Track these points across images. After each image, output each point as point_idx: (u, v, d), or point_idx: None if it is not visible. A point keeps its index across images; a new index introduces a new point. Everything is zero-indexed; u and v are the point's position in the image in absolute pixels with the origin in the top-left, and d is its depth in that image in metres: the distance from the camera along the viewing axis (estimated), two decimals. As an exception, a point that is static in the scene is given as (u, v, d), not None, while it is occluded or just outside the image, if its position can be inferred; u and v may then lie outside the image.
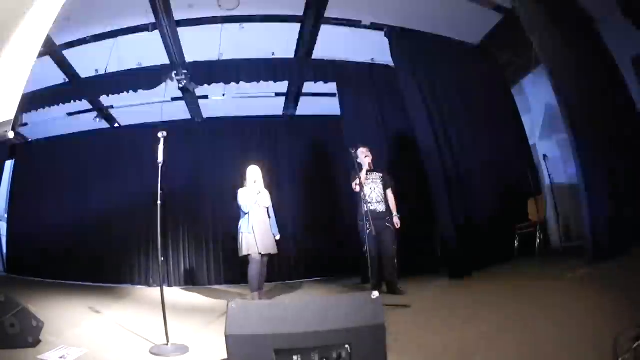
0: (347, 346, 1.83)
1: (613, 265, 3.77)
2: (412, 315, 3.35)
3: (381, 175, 5.04)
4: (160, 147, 2.95)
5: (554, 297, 3.19)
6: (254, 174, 4.88)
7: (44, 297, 4.93)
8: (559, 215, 6.42)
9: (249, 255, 4.59)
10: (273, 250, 4.76)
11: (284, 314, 1.99)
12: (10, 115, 2.38)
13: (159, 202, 2.88)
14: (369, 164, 4.93)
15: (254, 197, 4.74)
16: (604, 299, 2.78)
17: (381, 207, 4.86)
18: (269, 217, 4.89)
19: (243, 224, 4.68)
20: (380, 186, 4.96)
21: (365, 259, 4.33)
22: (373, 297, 1.89)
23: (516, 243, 5.68)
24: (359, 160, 4.92)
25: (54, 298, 4.94)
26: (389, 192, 5.00)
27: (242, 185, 4.86)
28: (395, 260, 4.73)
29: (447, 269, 5.20)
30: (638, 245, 4.11)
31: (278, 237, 4.90)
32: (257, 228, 4.64)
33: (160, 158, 2.94)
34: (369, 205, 4.71)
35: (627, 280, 3.10)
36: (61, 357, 2.48)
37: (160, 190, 2.94)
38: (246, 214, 4.68)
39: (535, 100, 7.00)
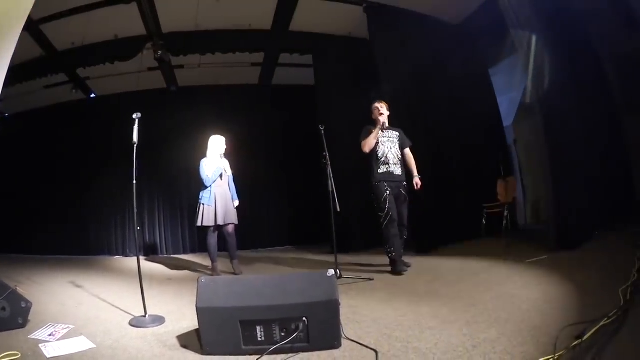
0: (304, 319, 1.99)
1: (573, 254, 3.87)
2: (376, 290, 3.46)
3: (398, 134, 4.49)
4: (135, 128, 2.93)
5: (509, 281, 3.25)
6: (219, 144, 4.83)
7: (27, 273, 4.96)
8: (528, 197, 6.64)
9: (208, 227, 4.65)
10: (234, 220, 4.78)
11: (248, 288, 2.14)
12: None
13: (134, 182, 2.95)
14: (383, 122, 4.33)
15: (220, 169, 4.72)
16: (558, 289, 2.84)
17: (398, 170, 4.34)
18: (229, 187, 4.87)
19: (205, 194, 4.66)
20: (397, 146, 4.42)
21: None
22: (328, 274, 2.05)
23: (484, 222, 5.85)
24: (373, 117, 4.44)
25: (38, 274, 4.97)
26: (408, 152, 4.50)
27: (204, 156, 4.81)
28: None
29: (415, 243, 5.24)
30: (602, 232, 4.33)
31: (237, 204, 4.90)
32: (220, 200, 4.66)
33: (135, 139, 2.93)
34: (387, 167, 4.28)
35: (584, 271, 3.18)
36: (50, 335, 2.51)
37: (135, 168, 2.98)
38: (209, 186, 4.67)
39: (514, 82, 7.00)
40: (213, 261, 4.78)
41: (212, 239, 4.73)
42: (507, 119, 7.12)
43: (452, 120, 6.02)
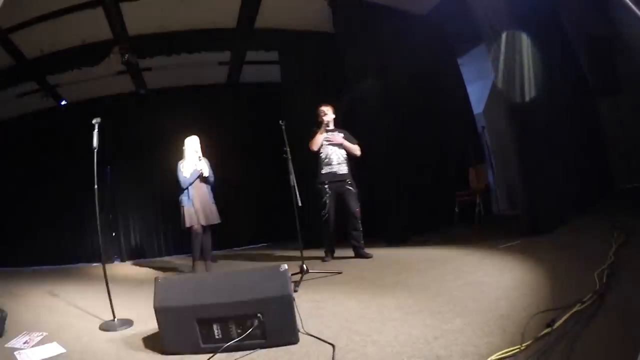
0: (259, 315, 1.98)
1: (548, 238, 3.80)
2: (343, 283, 3.43)
3: (342, 135, 4.75)
4: (95, 133, 2.99)
5: (479, 269, 3.16)
6: (194, 144, 4.84)
7: (4, 285, 4.97)
8: (499, 183, 6.71)
9: (191, 227, 4.68)
10: (216, 220, 4.82)
11: (203, 286, 2.15)
12: None
13: (95, 187, 2.96)
14: (326, 122, 4.66)
15: (195, 170, 4.72)
16: (529, 275, 2.73)
17: (342, 169, 4.62)
18: (208, 187, 4.87)
19: (184, 197, 4.70)
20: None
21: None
22: (281, 269, 2.05)
23: (456, 210, 5.89)
24: (319, 120, 4.70)
25: (15, 286, 4.93)
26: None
27: (182, 157, 4.82)
28: (360, 223, 4.57)
29: (385, 235, 5.28)
30: (578, 216, 4.29)
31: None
32: (198, 200, 4.69)
33: (95, 144, 3.00)
34: (330, 167, 4.59)
35: (558, 256, 3.11)
36: (25, 343, 2.54)
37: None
38: (186, 188, 4.69)
39: (483, 70, 6.99)
40: (194, 259, 4.80)
41: (196, 239, 4.74)
42: (478, 107, 7.19)
43: (421, 110, 6.04)
